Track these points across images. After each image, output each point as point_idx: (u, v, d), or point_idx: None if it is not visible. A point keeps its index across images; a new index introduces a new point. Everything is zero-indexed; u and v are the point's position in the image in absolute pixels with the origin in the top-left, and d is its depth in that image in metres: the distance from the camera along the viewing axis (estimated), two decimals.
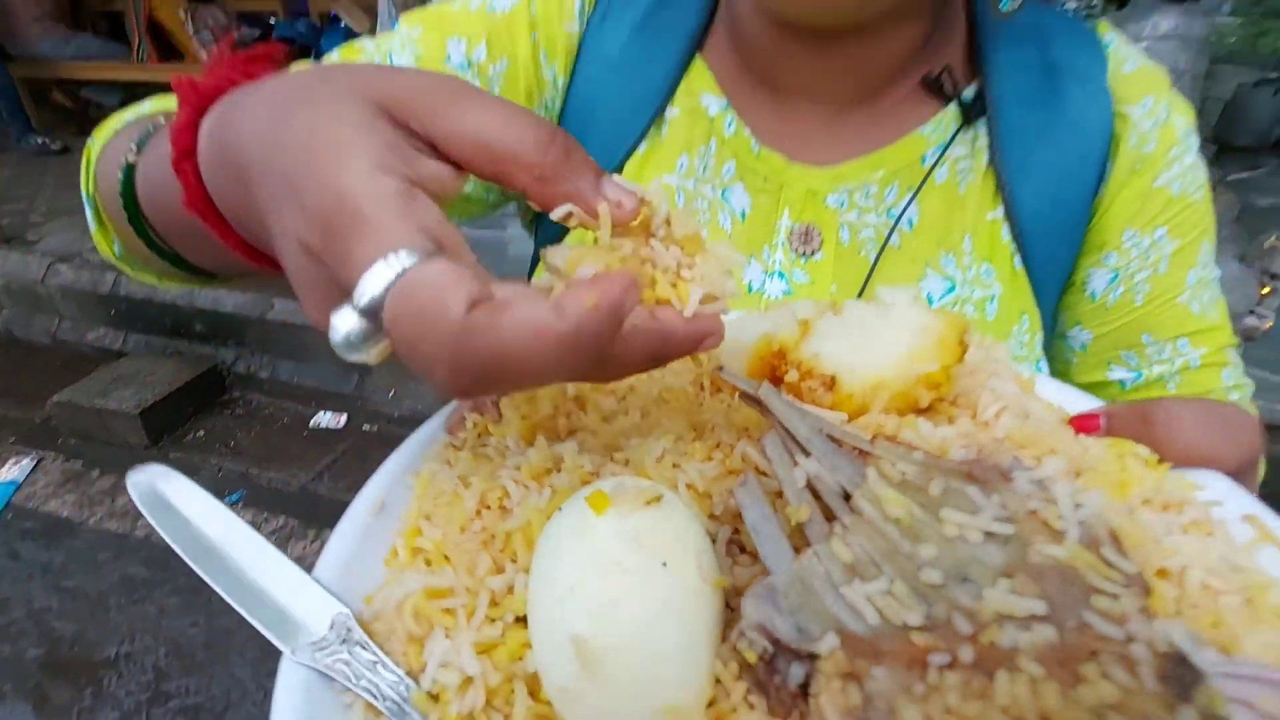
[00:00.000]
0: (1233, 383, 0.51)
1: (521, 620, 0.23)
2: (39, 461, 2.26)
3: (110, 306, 2.72)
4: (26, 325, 2.87)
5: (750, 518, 0.22)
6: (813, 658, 0.18)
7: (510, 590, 0.24)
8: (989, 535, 0.19)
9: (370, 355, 0.19)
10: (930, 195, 0.46)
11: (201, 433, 2.44)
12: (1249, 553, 0.24)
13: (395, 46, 0.48)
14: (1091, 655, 0.16)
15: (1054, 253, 0.47)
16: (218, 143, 0.24)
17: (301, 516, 2.07)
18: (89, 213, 0.40)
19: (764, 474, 0.24)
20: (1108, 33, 0.48)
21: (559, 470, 0.28)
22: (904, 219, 0.46)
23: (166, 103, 0.41)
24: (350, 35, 3.87)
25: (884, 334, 0.28)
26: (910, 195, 0.45)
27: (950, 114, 0.46)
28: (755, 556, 0.22)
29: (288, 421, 2.54)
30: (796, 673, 0.18)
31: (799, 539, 0.21)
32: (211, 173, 0.25)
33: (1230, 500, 0.27)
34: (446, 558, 0.26)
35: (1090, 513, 0.20)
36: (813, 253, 0.47)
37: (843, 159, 0.47)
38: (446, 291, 0.17)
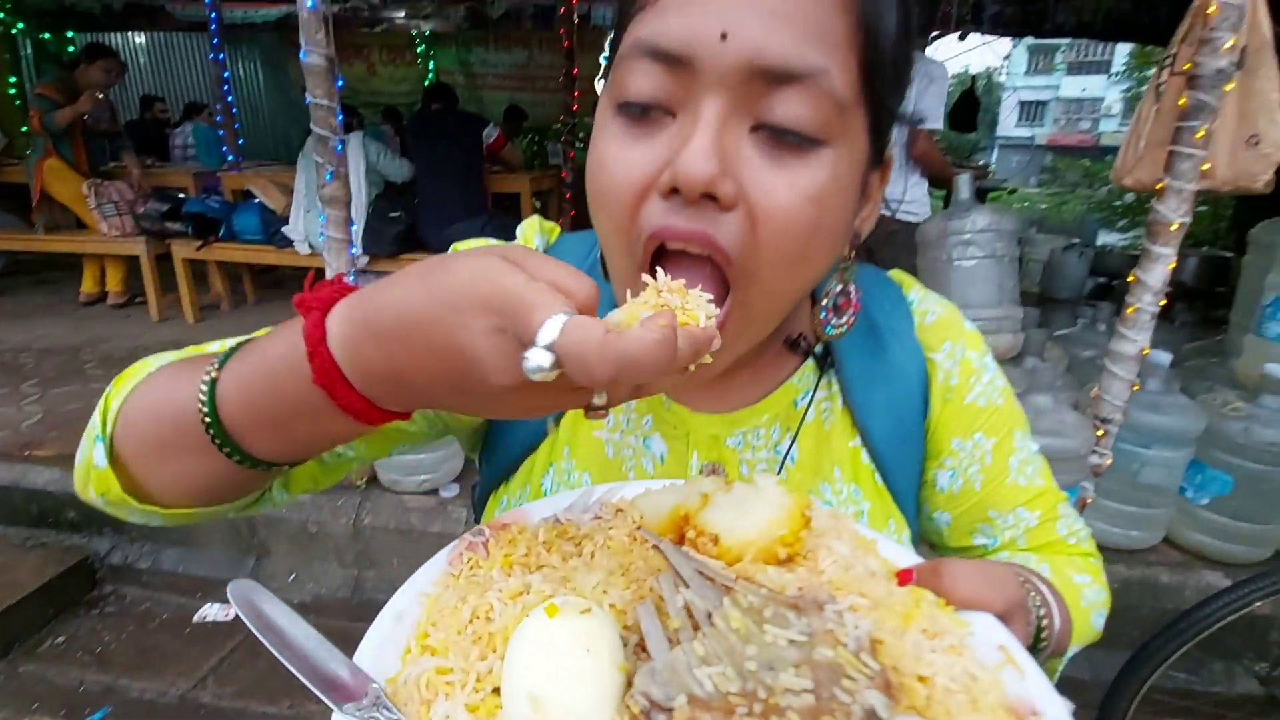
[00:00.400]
0: (1066, 532, 0.62)
1: (497, 690, 0.34)
2: None
3: None
4: None
5: (645, 627, 0.34)
6: (670, 710, 0.29)
7: (490, 671, 0.35)
8: (792, 642, 0.31)
9: (551, 375, 0.28)
10: (805, 432, 0.57)
11: (62, 639, 2.15)
12: (995, 671, 0.36)
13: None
14: (831, 712, 0.28)
15: (903, 467, 0.59)
16: (358, 324, 0.33)
17: None
18: (101, 453, 0.42)
19: (660, 598, 0.36)
20: (911, 290, 0.63)
21: (528, 593, 0.38)
22: (790, 456, 0.57)
23: (199, 349, 0.48)
24: (265, 212, 3.99)
25: (756, 507, 0.40)
26: (791, 436, 0.56)
27: (809, 366, 0.59)
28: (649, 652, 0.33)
29: (168, 618, 2.28)
30: (658, 715, 0.29)
31: (675, 641, 0.33)
32: (354, 347, 0.33)
33: (989, 633, 0.38)
34: (448, 650, 0.36)
35: (863, 632, 0.31)
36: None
37: (735, 408, 0.57)
38: (592, 327, 0.27)
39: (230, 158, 4.95)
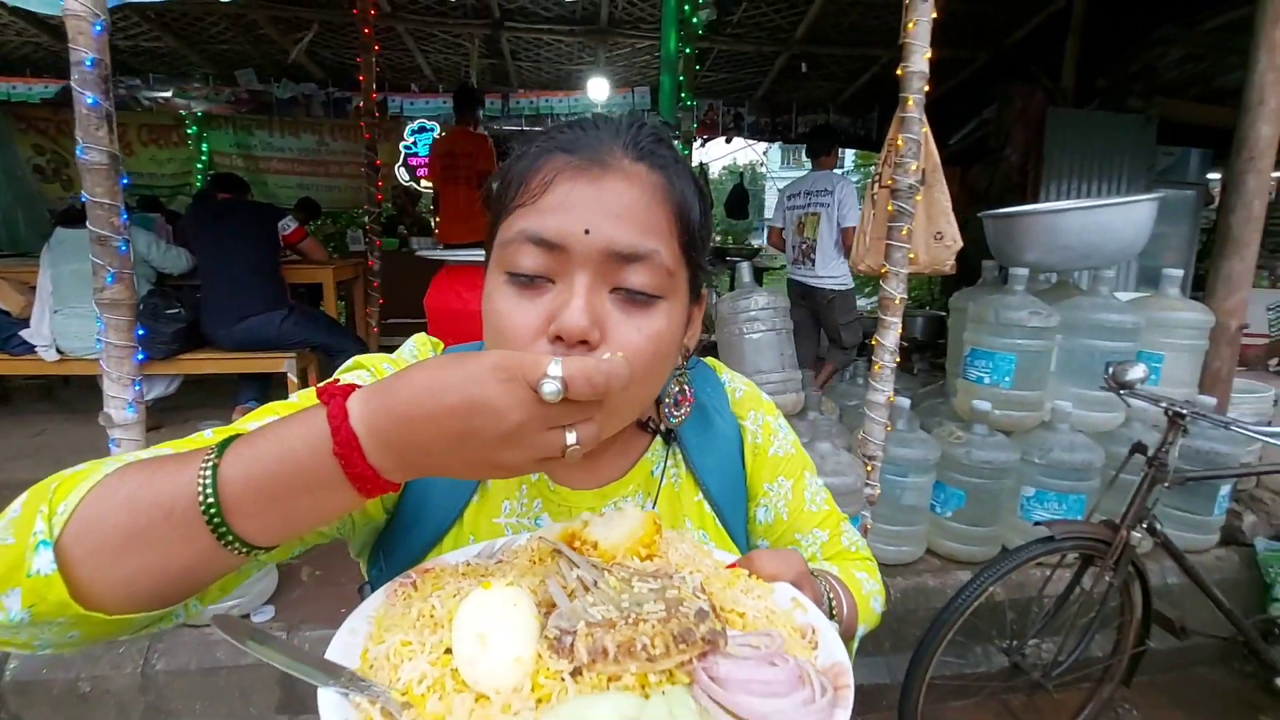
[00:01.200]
0: (848, 543, 0.82)
1: (449, 652, 0.43)
2: None
3: None
4: None
5: (551, 589, 0.47)
6: (575, 632, 0.42)
7: (441, 641, 0.44)
8: (650, 590, 0.46)
9: (560, 396, 0.40)
10: (662, 495, 0.71)
11: None
12: (789, 611, 0.53)
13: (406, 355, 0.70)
14: (676, 617, 0.43)
15: (734, 511, 0.75)
16: (377, 404, 0.42)
17: None
18: (47, 558, 0.41)
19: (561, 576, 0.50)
20: (723, 373, 0.82)
21: (459, 594, 0.49)
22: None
23: (186, 443, 0.53)
24: (3, 314, 3.38)
25: (622, 523, 0.54)
26: (652, 500, 0.70)
27: (658, 443, 0.73)
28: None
29: None
30: (568, 639, 0.42)
31: (573, 597, 0.46)
32: (371, 422, 0.41)
33: (785, 591, 0.55)
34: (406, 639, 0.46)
35: (695, 582, 0.48)
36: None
37: (606, 482, 0.70)
38: (583, 358, 0.41)
39: None
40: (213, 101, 6.52)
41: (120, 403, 1.88)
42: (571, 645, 0.41)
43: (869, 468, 2.29)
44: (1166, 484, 1.79)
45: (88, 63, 1.68)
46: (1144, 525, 1.83)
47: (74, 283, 3.21)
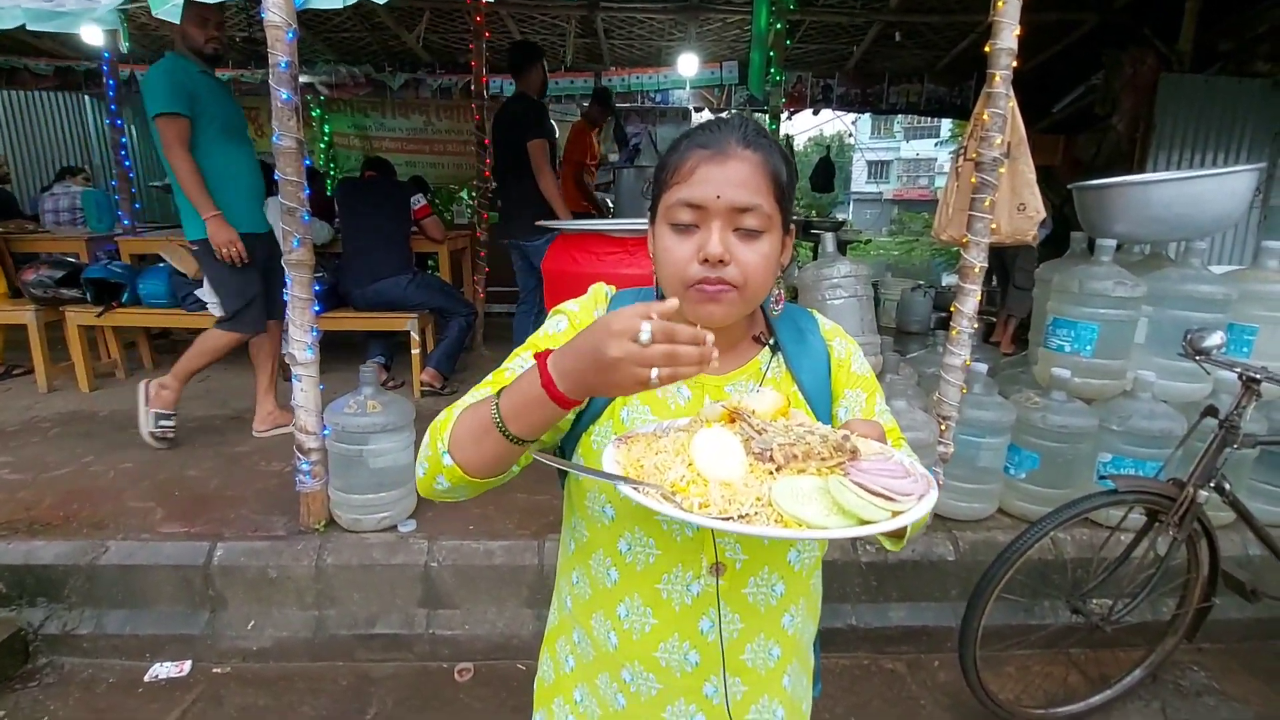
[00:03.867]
0: (907, 451, 1.04)
1: (690, 465, 0.66)
2: None
3: None
4: None
5: (748, 431, 0.70)
6: (771, 450, 0.65)
7: (683, 460, 0.67)
8: (802, 426, 0.70)
9: (649, 341, 0.60)
10: (767, 383, 0.96)
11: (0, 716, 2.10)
12: (878, 447, 0.73)
13: (519, 363, 0.92)
14: (824, 438, 0.68)
15: (822, 405, 0.99)
16: (559, 358, 0.67)
17: None
18: (447, 456, 0.76)
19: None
20: (815, 313, 1.06)
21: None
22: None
23: (480, 392, 0.85)
24: (174, 276, 3.98)
25: (765, 398, 0.75)
26: (759, 385, 0.95)
27: (766, 350, 0.98)
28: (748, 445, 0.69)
29: (114, 682, 2.28)
30: (768, 452, 0.66)
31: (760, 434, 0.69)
32: (558, 367, 0.66)
33: (875, 444, 0.72)
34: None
35: (827, 430, 0.71)
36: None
37: (728, 371, 0.96)
38: (664, 322, 0.61)
39: (126, 222, 4.83)
40: (336, 87, 7.12)
41: (301, 345, 2.29)
42: (770, 455, 0.64)
43: (943, 427, 2.44)
44: (1236, 446, 1.87)
45: (283, 65, 2.06)
46: (1212, 485, 1.91)
47: None
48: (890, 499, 0.60)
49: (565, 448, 0.98)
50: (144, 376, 3.53)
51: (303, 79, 6.99)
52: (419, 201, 4.06)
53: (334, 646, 2.38)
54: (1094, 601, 2.10)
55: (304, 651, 2.36)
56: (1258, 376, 1.81)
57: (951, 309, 2.37)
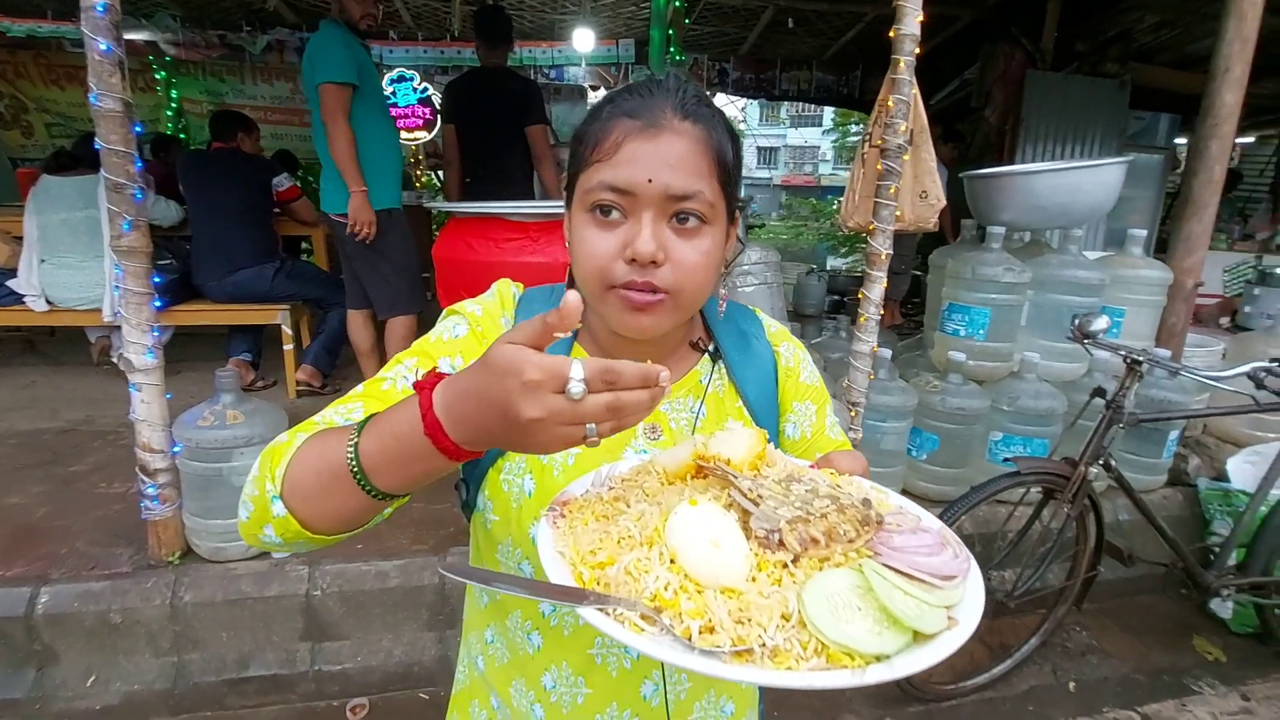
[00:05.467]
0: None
1: (673, 561, 0.50)
2: None
3: None
4: None
5: (739, 501, 0.54)
6: (779, 529, 0.50)
7: (661, 553, 0.51)
8: (806, 490, 0.55)
9: (583, 392, 0.45)
10: (709, 399, 0.83)
11: None
12: (877, 494, 0.63)
13: (403, 373, 0.72)
14: (844, 509, 0.52)
15: (768, 419, 0.87)
16: (450, 397, 0.50)
17: None
18: (279, 505, 0.58)
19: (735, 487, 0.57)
20: (760, 313, 0.95)
21: (643, 517, 0.55)
22: (700, 413, 0.82)
23: (324, 424, 0.65)
24: None
25: (738, 440, 0.61)
26: (700, 401, 0.82)
27: (705, 359, 0.85)
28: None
29: None
30: (775, 536, 0.50)
31: (757, 502, 0.54)
32: (448, 410, 0.50)
33: (863, 482, 0.63)
34: (618, 559, 0.52)
35: (827, 482, 0.58)
36: (658, 437, 0.80)
37: None
38: (596, 359, 0.46)
39: None
40: (184, 47, 6.27)
41: (139, 348, 1.93)
42: (780, 540, 0.49)
43: (853, 413, 2.45)
44: (1122, 425, 1.98)
45: (99, 8, 1.69)
46: (1100, 462, 2.02)
47: (62, 232, 3.19)
48: (937, 586, 0.48)
49: (467, 481, 0.81)
50: None
51: (143, 35, 6.11)
52: (284, 183, 3.58)
53: (199, 695, 2.05)
54: (996, 577, 2.18)
55: (162, 705, 2.03)
56: (1140, 359, 1.92)
57: (859, 295, 2.37)
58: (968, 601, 0.49)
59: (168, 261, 3.36)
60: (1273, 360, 1.95)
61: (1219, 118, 2.67)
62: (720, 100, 7.99)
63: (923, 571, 0.48)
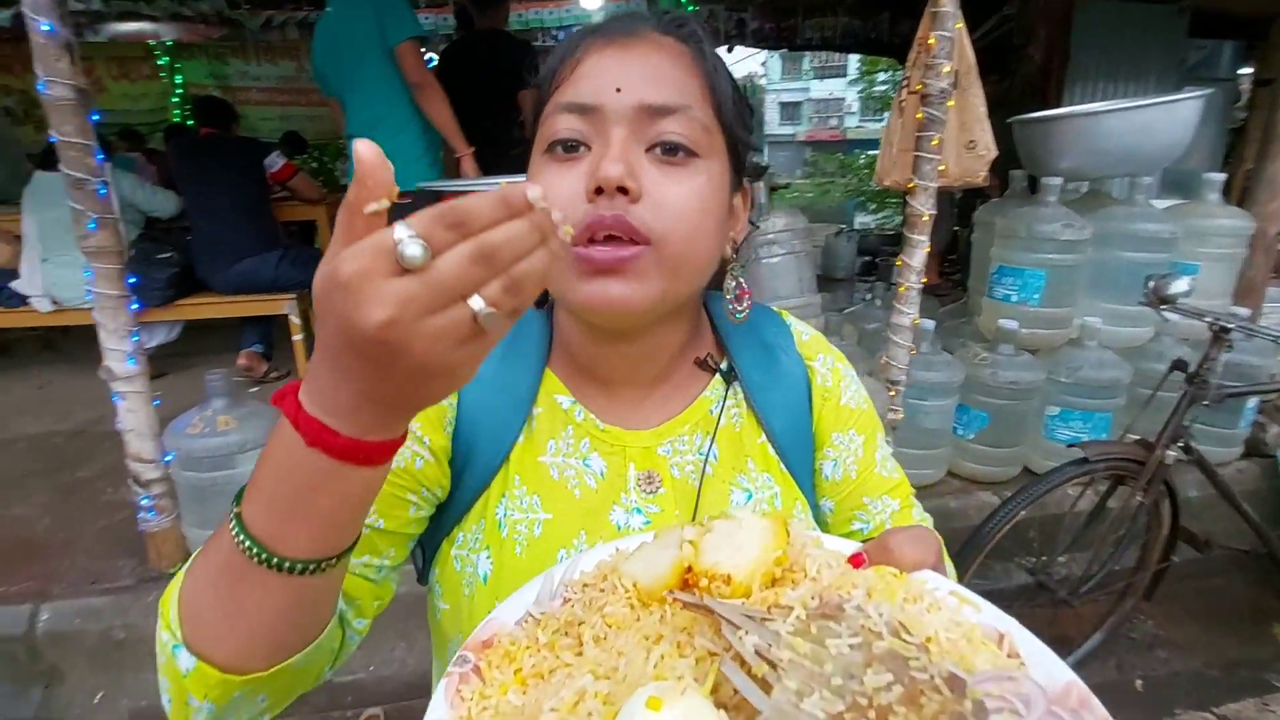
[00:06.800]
0: (919, 516, 0.77)
1: None
2: None
3: None
4: None
5: (738, 684, 0.34)
6: None
7: None
8: (852, 647, 0.33)
9: (425, 257, 0.31)
10: (721, 435, 0.66)
11: None
12: (958, 612, 0.43)
13: None
14: (921, 692, 0.31)
15: (800, 456, 0.69)
16: (316, 381, 0.37)
17: None
18: (185, 657, 0.44)
19: (713, 654, 0.37)
20: (787, 317, 0.76)
21: (583, 699, 0.36)
22: (711, 455, 0.64)
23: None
24: None
25: (745, 538, 0.43)
26: (710, 439, 0.64)
27: (717, 380, 0.67)
28: (739, 709, 0.34)
29: None
30: None
31: (763, 685, 0.34)
32: (321, 397, 0.37)
33: (938, 583, 0.45)
34: None
35: (887, 617, 0.36)
36: (656, 490, 0.63)
37: (661, 422, 0.65)
38: (432, 209, 0.32)
39: None
40: (182, 29, 6.11)
41: (119, 355, 1.81)
42: None
43: (892, 392, 2.23)
44: (1207, 401, 1.73)
45: None
46: (1180, 444, 1.78)
47: (58, 229, 3.08)
48: None
49: (423, 546, 0.65)
50: None
51: (144, 25, 5.96)
52: (276, 163, 3.40)
53: None
54: (1057, 569, 1.98)
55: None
56: (1230, 325, 1.66)
57: (898, 262, 2.13)
58: None
59: (169, 254, 3.25)
60: None
61: None
62: (739, 53, 7.59)
63: None
